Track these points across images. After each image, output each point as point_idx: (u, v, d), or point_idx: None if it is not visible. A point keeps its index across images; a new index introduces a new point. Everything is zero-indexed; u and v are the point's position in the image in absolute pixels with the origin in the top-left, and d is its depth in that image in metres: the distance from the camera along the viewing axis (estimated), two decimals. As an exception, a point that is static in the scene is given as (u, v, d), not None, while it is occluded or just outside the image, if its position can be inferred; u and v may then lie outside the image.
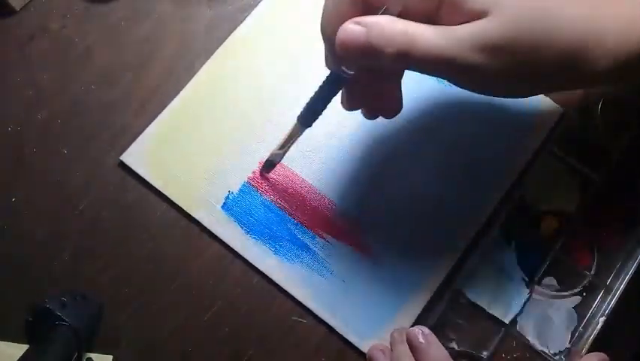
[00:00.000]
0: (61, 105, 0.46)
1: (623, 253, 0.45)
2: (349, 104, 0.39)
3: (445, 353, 0.39)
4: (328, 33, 0.34)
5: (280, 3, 0.49)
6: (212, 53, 0.47)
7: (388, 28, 0.31)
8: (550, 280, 0.44)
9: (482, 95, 0.35)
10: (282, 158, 0.43)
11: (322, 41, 0.35)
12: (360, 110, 0.40)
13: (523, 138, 0.46)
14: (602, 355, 0.40)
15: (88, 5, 0.48)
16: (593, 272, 0.44)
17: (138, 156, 0.45)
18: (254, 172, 0.45)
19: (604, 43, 0.32)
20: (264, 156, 0.45)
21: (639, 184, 0.46)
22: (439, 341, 0.40)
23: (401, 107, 0.39)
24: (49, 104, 0.46)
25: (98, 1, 0.48)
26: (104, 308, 0.42)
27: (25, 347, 0.40)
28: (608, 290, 0.44)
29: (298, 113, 0.40)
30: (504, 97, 0.37)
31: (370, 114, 0.40)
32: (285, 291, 0.43)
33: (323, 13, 0.35)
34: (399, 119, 0.46)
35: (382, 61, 0.32)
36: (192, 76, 0.46)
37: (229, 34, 0.48)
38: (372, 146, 0.46)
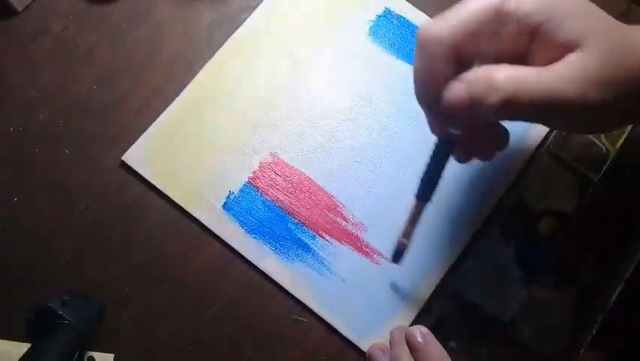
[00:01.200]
0: (63, 106, 0.46)
1: (621, 252, 0.45)
2: (462, 160, 0.39)
3: (444, 352, 0.39)
4: (427, 98, 0.34)
5: (280, 4, 0.49)
6: (212, 54, 0.47)
7: (493, 78, 0.31)
8: (548, 280, 0.45)
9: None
10: (409, 242, 0.41)
11: (420, 106, 0.35)
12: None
13: (522, 139, 0.47)
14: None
15: (89, 6, 0.48)
16: (592, 272, 0.44)
17: (139, 156, 0.45)
18: (254, 172, 0.45)
19: None
20: (265, 155, 0.45)
21: (638, 184, 0.46)
22: (438, 340, 0.40)
23: (507, 141, 0.38)
24: (50, 105, 0.46)
25: (99, 2, 0.48)
26: (105, 307, 0.42)
27: (26, 345, 0.40)
28: (607, 290, 0.44)
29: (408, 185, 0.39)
30: (606, 131, 0.35)
31: (483, 157, 0.39)
32: (285, 290, 0.43)
33: (416, 79, 0.34)
34: (403, 123, 0.47)
35: (491, 113, 0.31)
36: (193, 76, 0.47)
37: (229, 35, 0.48)
38: (374, 146, 0.46)
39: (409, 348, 0.40)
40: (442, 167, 0.37)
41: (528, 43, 0.32)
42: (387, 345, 0.42)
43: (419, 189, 0.38)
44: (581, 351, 0.42)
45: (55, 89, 0.46)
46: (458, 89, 0.31)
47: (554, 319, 0.44)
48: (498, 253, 0.44)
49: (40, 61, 0.46)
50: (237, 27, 0.48)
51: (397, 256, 0.42)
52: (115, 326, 0.42)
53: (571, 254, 0.45)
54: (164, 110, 0.46)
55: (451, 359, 0.39)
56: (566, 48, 0.31)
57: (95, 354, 0.41)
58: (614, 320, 0.42)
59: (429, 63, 0.33)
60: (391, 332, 0.42)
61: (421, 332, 0.39)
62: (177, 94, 0.46)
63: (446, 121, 0.34)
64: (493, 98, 0.30)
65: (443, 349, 0.39)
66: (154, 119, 0.46)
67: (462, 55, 0.32)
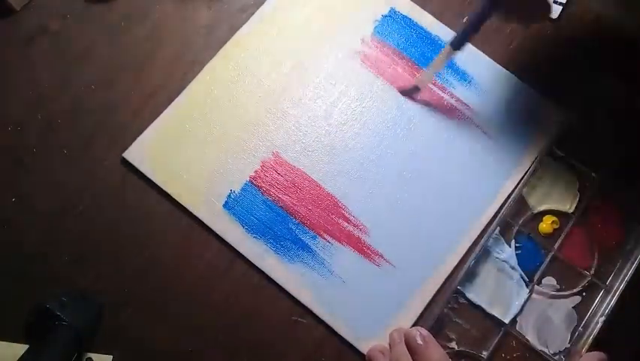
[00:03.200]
0: (61, 105, 0.46)
1: (622, 253, 0.45)
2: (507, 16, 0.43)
3: (444, 353, 0.39)
4: None
5: (284, 3, 0.49)
6: (212, 53, 0.47)
7: None
8: (549, 280, 0.45)
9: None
10: (429, 82, 0.46)
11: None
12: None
13: (523, 139, 0.47)
14: (601, 354, 0.40)
15: (87, 5, 0.48)
16: (592, 272, 0.45)
17: (140, 154, 0.45)
18: (256, 171, 0.45)
19: None
20: (266, 154, 0.45)
21: (639, 184, 0.46)
22: (439, 340, 0.40)
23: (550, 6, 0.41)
24: (49, 104, 0.46)
25: (97, 1, 0.48)
26: (103, 308, 0.42)
27: (25, 347, 0.40)
28: (608, 290, 0.44)
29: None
30: None
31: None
32: (285, 291, 0.43)
33: None
34: (407, 124, 0.46)
35: None
36: (192, 75, 0.47)
37: (229, 34, 0.48)
38: (378, 147, 0.46)
39: (409, 350, 0.39)
40: (481, 22, 0.42)
41: None
42: (387, 347, 0.42)
43: (455, 38, 0.44)
44: (582, 351, 0.42)
45: (53, 89, 0.46)
46: None
47: (555, 319, 0.44)
48: (499, 253, 0.44)
49: (38, 60, 0.46)
50: (236, 26, 0.48)
51: (411, 91, 0.47)
52: (114, 327, 0.42)
53: (571, 254, 0.45)
54: (163, 109, 0.46)
55: (451, 360, 0.39)
56: None
57: (94, 355, 0.41)
58: (614, 320, 0.42)
59: None
60: (391, 334, 0.42)
61: (420, 334, 0.39)
62: (176, 93, 0.46)
63: None
64: None
65: (443, 351, 0.39)
66: (153, 119, 0.45)
67: None
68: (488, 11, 0.41)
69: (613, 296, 0.43)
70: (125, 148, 0.45)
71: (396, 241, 0.44)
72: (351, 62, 0.48)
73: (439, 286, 0.44)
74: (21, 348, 0.40)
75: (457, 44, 0.44)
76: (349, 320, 0.43)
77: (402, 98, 0.47)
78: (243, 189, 0.45)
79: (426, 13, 0.50)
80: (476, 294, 0.44)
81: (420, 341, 0.39)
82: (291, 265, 0.43)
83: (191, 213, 0.44)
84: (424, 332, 0.40)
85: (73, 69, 0.46)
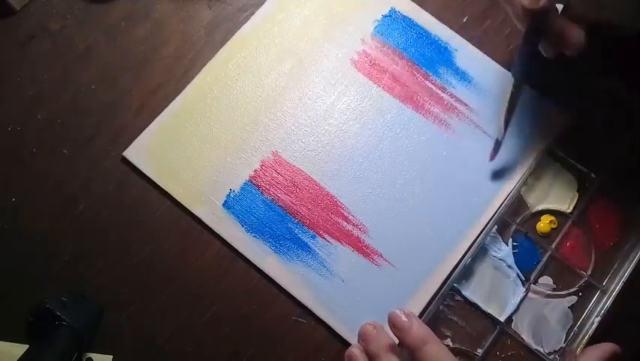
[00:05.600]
0: (62, 105, 0.46)
1: (619, 254, 0.45)
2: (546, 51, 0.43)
3: (429, 330, 0.38)
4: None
5: (285, 3, 0.49)
6: (212, 53, 0.47)
7: None
8: (546, 280, 0.45)
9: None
10: (507, 128, 0.45)
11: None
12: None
13: (523, 139, 0.47)
14: (614, 346, 0.40)
15: (88, 5, 0.48)
16: (589, 273, 0.45)
17: (140, 153, 0.45)
18: (255, 170, 0.45)
19: None
20: (265, 154, 0.45)
21: (637, 185, 0.46)
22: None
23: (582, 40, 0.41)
24: (49, 104, 0.46)
25: (97, 1, 0.48)
26: (104, 308, 0.42)
27: (25, 347, 0.40)
28: (604, 291, 0.44)
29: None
30: None
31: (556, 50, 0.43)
32: (285, 291, 0.43)
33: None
34: (407, 124, 0.46)
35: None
36: (192, 75, 0.47)
37: (228, 34, 0.48)
38: (377, 147, 0.46)
39: (394, 330, 0.39)
40: (535, 46, 0.42)
41: None
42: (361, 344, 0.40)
43: (516, 68, 0.43)
44: (577, 351, 0.42)
45: (53, 89, 0.46)
46: None
47: (550, 318, 0.44)
48: (496, 251, 0.45)
49: (38, 60, 0.46)
50: (236, 26, 0.48)
51: (496, 148, 0.46)
52: (114, 327, 0.42)
53: (568, 254, 0.45)
54: (163, 109, 0.46)
55: None
56: None
57: (94, 355, 0.41)
58: (613, 320, 0.43)
59: None
60: (364, 327, 0.40)
61: (404, 312, 0.39)
62: (176, 93, 0.46)
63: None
64: None
65: (428, 328, 0.39)
66: (153, 118, 0.45)
67: None
68: (535, 42, 0.42)
69: (609, 297, 0.43)
70: (126, 147, 0.45)
71: (395, 240, 0.45)
72: (351, 61, 0.48)
73: (438, 285, 0.44)
74: (21, 348, 0.40)
75: (522, 72, 0.43)
76: (349, 320, 0.43)
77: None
78: (242, 189, 0.45)
79: (426, 12, 0.50)
80: (472, 292, 0.44)
81: (405, 318, 0.39)
82: (290, 264, 0.44)
83: (190, 212, 0.44)
84: (407, 310, 0.39)
85: (74, 69, 0.46)
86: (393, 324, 0.39)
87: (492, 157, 0.46)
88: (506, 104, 0.44)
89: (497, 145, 0.45)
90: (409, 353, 0.38)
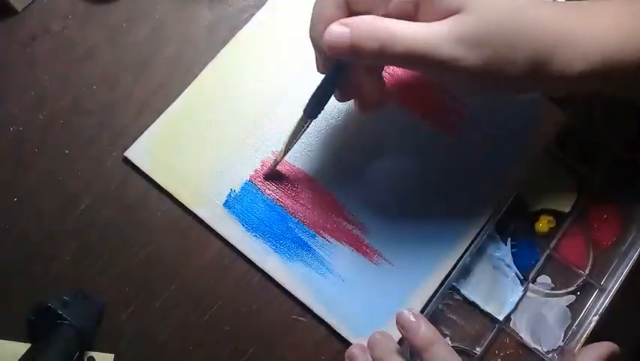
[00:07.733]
0: (63, 106, 0.46)
1: (617, 253, 0.45)
2: (341, 98, 0.42)
3: (435, 330, 0.39)
4: (316, 38, 0.37)
5: (286, 2, 0.49)
6: (212, 54, 0.47)
7: (370, 25, 0.34)
8: (544, 279, 0.45)
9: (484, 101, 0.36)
10: (285, 154, 0.44)
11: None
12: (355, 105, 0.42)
13: (521, 138, 0.47)
14: (613, 345, 0.40)
15: (89, 6, 0.48)
16: (587, 272, 0.45)
17: (141, 153, 0.45)
18: (256, 170, 0.45)
19: (575, 45, 0.34)
20: (266, 154, 0.45)
21: (635, 185, 0.46)
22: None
23: (382, 99, 0.40)
24: (50, 105, 0.46)
25: (99, 2, 0.48)
26: (105, 307, 0.42)
27: (27, 345, 0.40)
28: (603, 290, 0.44)
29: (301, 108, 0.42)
30: (481, 93, 0.39)
31: (362, 109, 0.42)
32: (285, 290, 0.44)
33: (311, 20, 0.38)
34: (408, 124, 0.47)
35: (366, 57, 0.34)
36: (193, 77, 0.47)
37: (230, 35, 0.48)
38: (378, 147, 0.47)
39: (402, 330, 0.39)
40: (330, 92, 0.40)
41: (414, 8, 0.35)
42: (365, 346, 0.41)
43: (308, 106, 0.41)
44: (575, 350, 0.42)
45: (55, 89, 0.46)
46: (337, 30, 0.35)
47: (549, 317, 0.44)
48: (495, 250, 0.45)
49: (40, 61, 0.46)
50: (237, 26, 0.48)
51: (270, 172, 0.45)
52: (115, 326, 0.42)
53: (567, 253, 0.45)
54: (164, 109, 0.46)
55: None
56: (447, 13, 0.33)
57: (95, 354, 0.42)
58: (612, 320, 0.43)
59: (321, 7, 0.36)
60: (373, 335, 0.41)
61: (412, 313, 0.39)
62: (177, 94, 0.46)
63: (327, 60, 0.38)
64: (372, 45, 0.34)
65: (434, 328, 0.39)
66: (154, 119, 0.46)
67: (354, 12, 0.36)
68: (337, 76, 0.39)
69: (607, 296, 0.43)
70: (127, 147, 0.45)
71: (395, 239, 0.45)
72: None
73: (437, 284, 0.44)
74: (23, 347, 0.40)
75: (311, 112, 0.41)
76: (349, 319, 0.43)
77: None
78: (243, 188, 0.45)
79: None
80: (471, 291, 0.44)
81: (413, 319, 0.39)
82: (290, 264, 0.44)
83: (191, 212, 0.44)
84: (415, 310, 0.40)
85: (75, 69, 0.46)
86: (401, 324, 0.39)
87: (266, 177, 0.45)
88: (291, 133, 0.43)
89: (275, 165, 0.44)
90: (415, 354, 0.39)
